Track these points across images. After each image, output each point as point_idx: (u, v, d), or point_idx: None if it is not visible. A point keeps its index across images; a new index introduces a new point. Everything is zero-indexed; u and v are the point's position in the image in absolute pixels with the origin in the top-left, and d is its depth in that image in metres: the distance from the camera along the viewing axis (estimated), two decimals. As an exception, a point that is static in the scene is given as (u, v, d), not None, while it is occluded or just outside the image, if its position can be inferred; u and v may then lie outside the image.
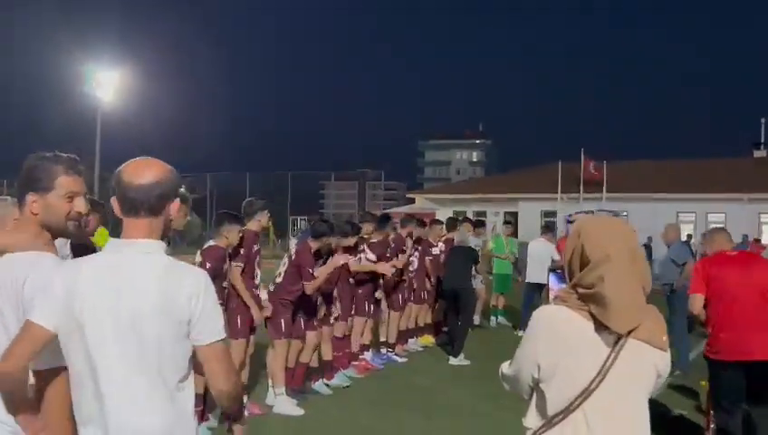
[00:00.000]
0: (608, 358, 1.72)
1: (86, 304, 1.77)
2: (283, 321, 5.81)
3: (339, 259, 6.15)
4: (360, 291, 7.25)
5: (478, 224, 11.38)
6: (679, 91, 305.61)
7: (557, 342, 1.76)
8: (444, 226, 9.65)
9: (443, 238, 9.36)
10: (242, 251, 5.31)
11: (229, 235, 5.01)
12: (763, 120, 33.86)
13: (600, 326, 1.73)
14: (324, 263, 6.30)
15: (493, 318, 11.41)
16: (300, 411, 5.77)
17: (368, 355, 7.68)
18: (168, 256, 1.87)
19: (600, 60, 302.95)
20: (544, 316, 1.83)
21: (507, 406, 6.37)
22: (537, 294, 10.47)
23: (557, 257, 10.46)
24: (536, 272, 10.39)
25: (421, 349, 8.90)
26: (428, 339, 9.26)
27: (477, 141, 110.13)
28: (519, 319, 10.75)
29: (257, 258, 5.59)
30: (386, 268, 7.33)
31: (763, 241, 22.86)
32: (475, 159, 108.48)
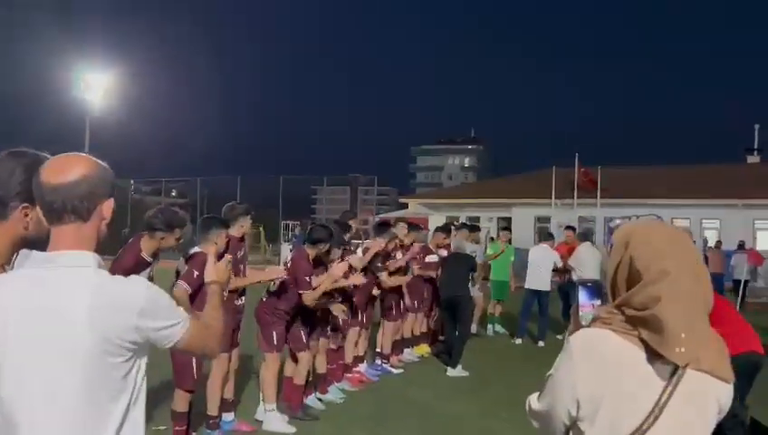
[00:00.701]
0: (663, 392, 1.42)
1: (1, 332, 1.48)
2: (275, 333, 5.49)
3: (338, 270, 5.79)
4: (354, 299, 6.96)
5: (474, 229, 11.11)
6: (674, 96, 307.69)
7: (601, 372, 1.46)
8: (446, 233, 9.38)
9: (443, 245, 9.10)
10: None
11: (218, 240, 4.73)
12: (756, 127, 33.93)
13: (653, 355, 1.45)
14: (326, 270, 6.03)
15: (490, 326, 11.13)
16: (291, 429, 5.46)
17: (362, 367, 7.38)
18: (102, 269, 1.57)
19: (594, 65, 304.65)
20: (584, 341, 1.52)
21: (508, 419, 6.13)
22: (536, 301, 10.23)
23: (560, 263, 10.21)
24: (536, 279, 10.15)
25: (417, 359, 8.61)
26: (424, 349, 8.98)
27: (469, 147, 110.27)
28: (516, 327, 10.50)
29: (242, 265, 5.31)
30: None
31: (758, 247, 22.74)
32: (467, 165, 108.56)
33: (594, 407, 1.46)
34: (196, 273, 4.50)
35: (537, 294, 10.17)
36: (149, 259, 4.44)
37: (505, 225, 13.52)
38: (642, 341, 1.45)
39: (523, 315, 10.37)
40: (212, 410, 5.12)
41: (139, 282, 1.60)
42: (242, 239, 5.33)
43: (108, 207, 1.60)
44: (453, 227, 9.93)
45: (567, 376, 1.52)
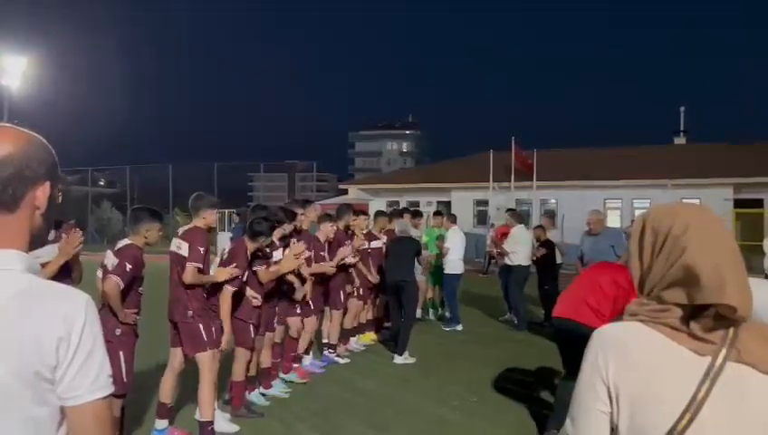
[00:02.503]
0: (699, 388, 1.21)
1: None
2: (214, 329, 5.12)
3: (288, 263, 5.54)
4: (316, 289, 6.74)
5: (416, 214, 10.95)
6: (605, 81, 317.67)
7: (628, 368, 1.26)
8: (388, 218, 9.18)
9: (385, 230, 8.90)
10: (202, 251, 4.76)
11: (148, 233, 4.39)
12: (682, 109, 35.23)
13: (687, 341, 1.25)
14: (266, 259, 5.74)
15: (431, 311, 11.04)
16: (234, 428, 5.16)
17: (307, 359, 7.11)
18: (32, 274, 1.23)
19: (528, 50, 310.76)
20: (609, 336, 1.31)
21: (459, 407, 6.03)
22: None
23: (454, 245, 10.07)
24: (457, 263, 10.08)
25: (363, 348, 8.40)
26: (370, 336, 8.78)
27: (407, 132, 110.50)
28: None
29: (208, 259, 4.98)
30: (329, 268, 7.01)
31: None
32: (405, 150, 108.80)
33: (626, 406, 1.25)
34: (128, 266, 4.24)
35: (458, 278, 10.11)
36: None
37: (441, 209, 13.33)
38: (674, 330, 1.25)
39: (450, 301, 10.26)
40: (206, 415, 4.78)
41: (81, 295, 1.23)
42: (208, 232, 5.02)
43: (43, 192, 1.25)
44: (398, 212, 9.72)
45: (591, 376, 1.30)
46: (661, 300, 1.30)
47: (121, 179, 41.93)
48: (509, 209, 12.10)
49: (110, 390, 1.23)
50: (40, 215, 1.27)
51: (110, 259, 4.29)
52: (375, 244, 8.54)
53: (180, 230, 5.08)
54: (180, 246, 4.81)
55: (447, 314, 10.36)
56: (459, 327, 9.87)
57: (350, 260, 7.50)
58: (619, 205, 26.65)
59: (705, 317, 1.25)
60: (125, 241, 4.42)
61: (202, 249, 4.73)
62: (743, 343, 1.25)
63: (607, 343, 1.31)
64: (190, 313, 4.77)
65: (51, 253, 3.88)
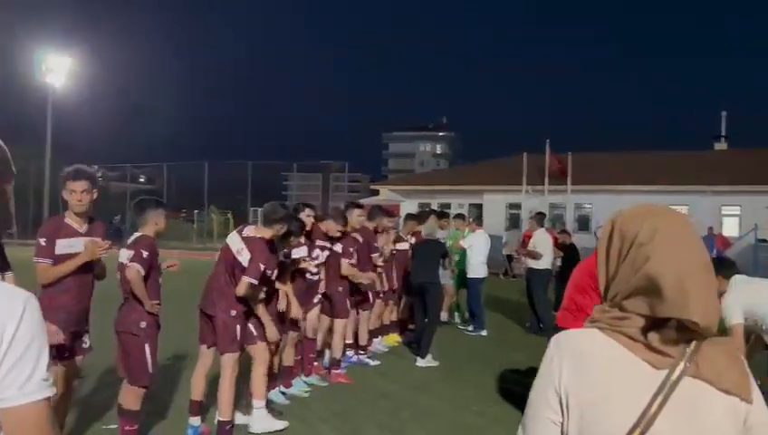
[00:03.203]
0: (652, 402, 1.16)
1: None
2: (240, 332, 4.97)
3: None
4: (339, 289, 6.70)
5: (442, 215, 10.89)
6: (644, 83, 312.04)
7: (581, 375, 1.22)
8: (417, 221, 9.14)
9: (413, 232, 8.88)
10: (261, 268, 4.69)
11: (158, 220, 4.46)
12: (723, 114, 34.37)
13: (644, 353, 1.19)
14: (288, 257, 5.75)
15: (457, 314, 10.96)
16: (283, 423, 5.15)
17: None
18: None
19: (563, 52, 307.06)
20: (566, 342, 1.28)
21: (480, 413, 5.96)
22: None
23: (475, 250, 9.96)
24: (473, 266, 9.97)
25: (387, 349, 8.38)
26: (394, 338, 8.76)
27: (441, 133, 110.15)
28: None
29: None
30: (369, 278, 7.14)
31: (725, 233, 23.04)
32: (439, 151, 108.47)
33: (576, 414, 1.20)
34: (145, 253, 4.28)
35: (480, 281, 9.99)
36: None
37: (462, 212, 13.26)
38: (631, 339, 1.20)
39: (474, 306, 10.11)
40: (226, 415, 4.76)
41: (22, 292, 1.16)
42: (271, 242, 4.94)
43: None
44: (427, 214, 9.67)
45: (544, 383, 1.27)
46: (623, 308, 1.25)
47: (158, 176, 42.77)
48: (538, 213, 11.97)
49: (45, 394, 1.13)
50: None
51: (125, 254, 4.35)
52: (401, 246, 8.52)
53: (246, 231, 4.96)
54: (241, 252, 4.73)
55: (471, 317, 10.26)
56: (484, 332, 9.76)
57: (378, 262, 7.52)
58: (656, 211, 26.09)
59: (667, 329, 1.20)
60: (136, 234, 4.46)
61: (262, 267, 4.68)
62: (704, 357, 1.19)
63: (563, 349, 1.27)
64: (234, 312, 4.75)
65: (79, 247, 3.94)
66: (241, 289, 4.64)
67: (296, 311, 5.68)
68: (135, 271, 4.21)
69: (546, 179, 25.27)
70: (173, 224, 36.92)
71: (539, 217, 10.85)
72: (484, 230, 10.48)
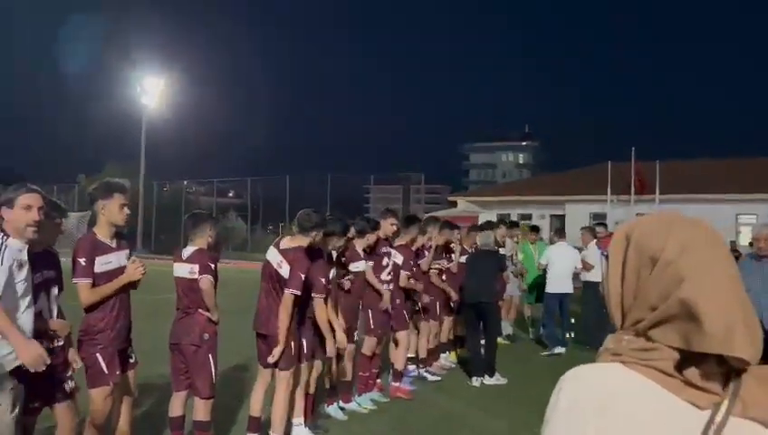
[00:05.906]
0: None
1: None
2: (294, 348, 4.91)
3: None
4: (398, 301, 6.60)
5: (512, 225, 10.53)
6: (738, 84, 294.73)
7: (615, 429, 1.01)
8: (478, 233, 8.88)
9: (475, 245, 8.62)
10: (303, 278, 4.64)
11: (212, 233, 4.58)
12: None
13: (685, 390, 1.00)
14: (344, 266, 5.70)
15: (531, 330, 10.52)
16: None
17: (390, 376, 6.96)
18: None
19: (645, 59, 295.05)
20: (584, 385, 1.07)
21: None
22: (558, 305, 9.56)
23: (579, 263, 9.54)
24: (554, 280, 9.48)
25: (453, 365, 8.15)
26: (454, 355, 8.47)
27: (524, 143, 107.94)
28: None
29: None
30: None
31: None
32: (521, 162, 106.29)
33: None
34: (212, 264, 4.43)
35: (558, 297, 9.52)
36: None
37: (527, 223, 12.84)
38: (665, 374, 1.01)
39: (546, 324, 9.57)
40: (278, 430, 4.74)
41: None
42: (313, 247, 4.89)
43: None
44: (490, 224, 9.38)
45: None
46: (649, 338, 1.05)
47: (243, 191, 44.31)
48: (597, 223, 11.44)
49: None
50: None
51: (184, 268, 4.42)
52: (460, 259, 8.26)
53: (282, 243, 4.83)
54: (281, 265, 4.66)
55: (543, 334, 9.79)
56: (558, 350, 9.16)
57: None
58: (754, 220, 24.38)
59: (707, 362, 1.00)
60: (192, 248, 4.49)
61: (303, 276, 4.60)
62: (748, 392, 0.99)
63: (584, 396, 1.05)
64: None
65: (120, 261, 3.97)
66: (285, 303, 4.57)
67: (341, 337, 5.33)
68: (208, 281, 4.31)
69: (632, 188, 24.17)
70: (260, 237, 38.09)
71: (591, 230, 10.37)
72: (567, 242, 9.99)
